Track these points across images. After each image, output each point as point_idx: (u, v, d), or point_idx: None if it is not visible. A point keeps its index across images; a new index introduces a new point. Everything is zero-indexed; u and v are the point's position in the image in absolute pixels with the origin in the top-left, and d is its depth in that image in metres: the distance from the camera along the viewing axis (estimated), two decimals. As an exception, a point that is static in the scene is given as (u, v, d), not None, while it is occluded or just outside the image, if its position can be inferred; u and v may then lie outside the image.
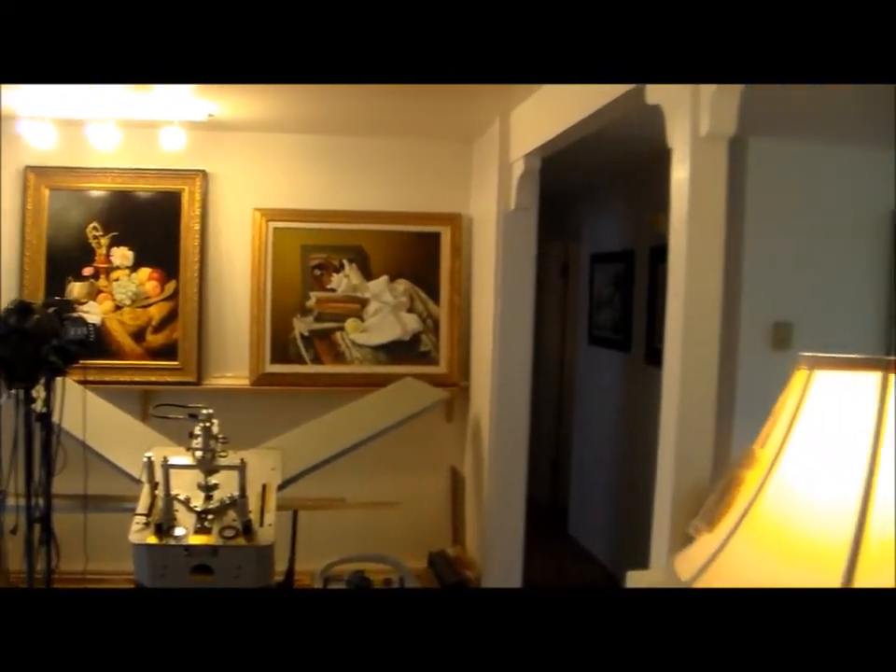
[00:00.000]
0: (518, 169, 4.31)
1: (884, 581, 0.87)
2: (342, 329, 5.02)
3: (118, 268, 4.85)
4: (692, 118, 2.42)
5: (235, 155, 5.02)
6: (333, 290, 5.02)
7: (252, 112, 4.51)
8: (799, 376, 1.03)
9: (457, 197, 5.21)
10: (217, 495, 3.33)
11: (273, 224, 4.98)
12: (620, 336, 6.05)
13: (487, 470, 4.67)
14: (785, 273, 4.61)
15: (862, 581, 0.88)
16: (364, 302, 5.03)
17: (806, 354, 1.03)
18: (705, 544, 1.05)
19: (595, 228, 6.77)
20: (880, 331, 4.88)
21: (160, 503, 3.18)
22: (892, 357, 0.94)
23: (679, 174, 2.48)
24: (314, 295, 5.01)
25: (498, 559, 4.66)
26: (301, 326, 5.00)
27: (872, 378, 0.94)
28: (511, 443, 4.56)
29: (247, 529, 3.19)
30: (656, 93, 2.62)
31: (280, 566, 3.68)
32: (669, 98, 2.55)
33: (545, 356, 7.71)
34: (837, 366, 0.99)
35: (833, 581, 0.89)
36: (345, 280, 5.01)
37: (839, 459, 0.94)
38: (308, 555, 4.21)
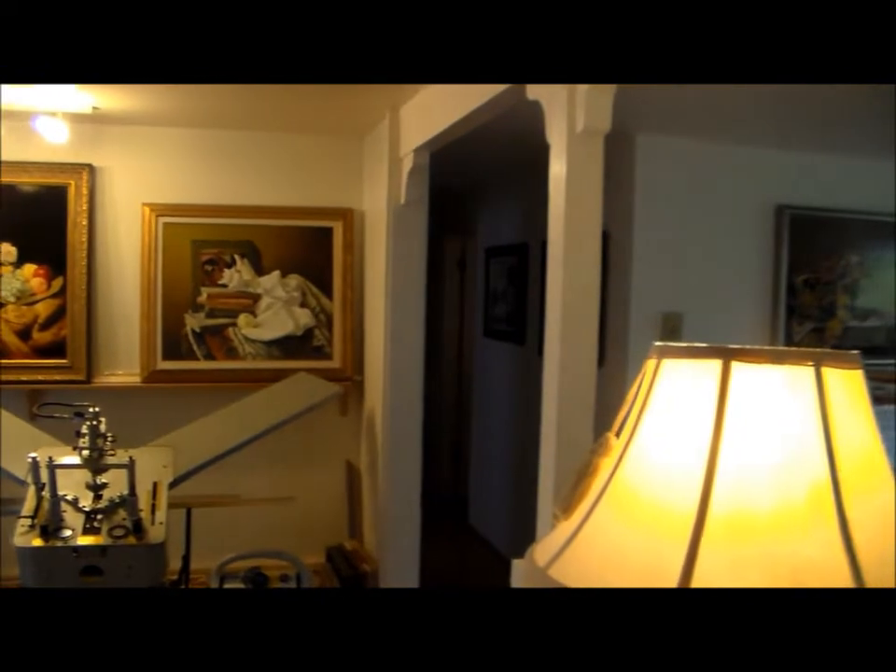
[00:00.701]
0: (407, 164, 4.33)
1: (725, 551, 0.92)
2: (234, 324, 4.99)
3: (0, 264, 4.74)
4: (568, 114, 2.47)
5: (123, 149, 4.94)
6: (225, 286, 4.98)
7: (140, 105, 4.44)
8: (649, 365, 1.07)
9: (349, 192, 5.22)
10: (106, 494, 3.28)
11: (162, 219, 4.92)
12: (514, 328, 6.12)
13: (382, 463, 4.69)
14: (675, 265, 4.72)
15: (706, 551, 0.92)
16: (256, 298, 5.01)
17: (657, 343, 1.08)
18: (562, 531, 1.09)
19: (489, 222, 6.83)
20: (766, 321, 5.03)
21: (46, 504, 3.13)
22: (733, 346, 0.99)
23: (557, 169, 2.53)
24: (205, 291, 4.96)
25: (396, 552, 4.68)
26: (193, 322, 4.95)
27: (714, 365, 0.99)
28: (406, 436, 4.59)
29: (138, 528, 3.15)
30: (536, 90, 2.67)
31: (175, 564, 3.66)
32: (547, 95, 2.60)
33: (443, 349, 7.76)
34: (683, 355, 1.03)
35: (680, 553, 0.93)
36: (237, 275, 4.98)
37: (685, 442, 0.99)
38: (204, 553, 4.18)
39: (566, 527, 1.08)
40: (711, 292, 4.79)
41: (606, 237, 4.62)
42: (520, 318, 5.99)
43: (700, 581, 0.91)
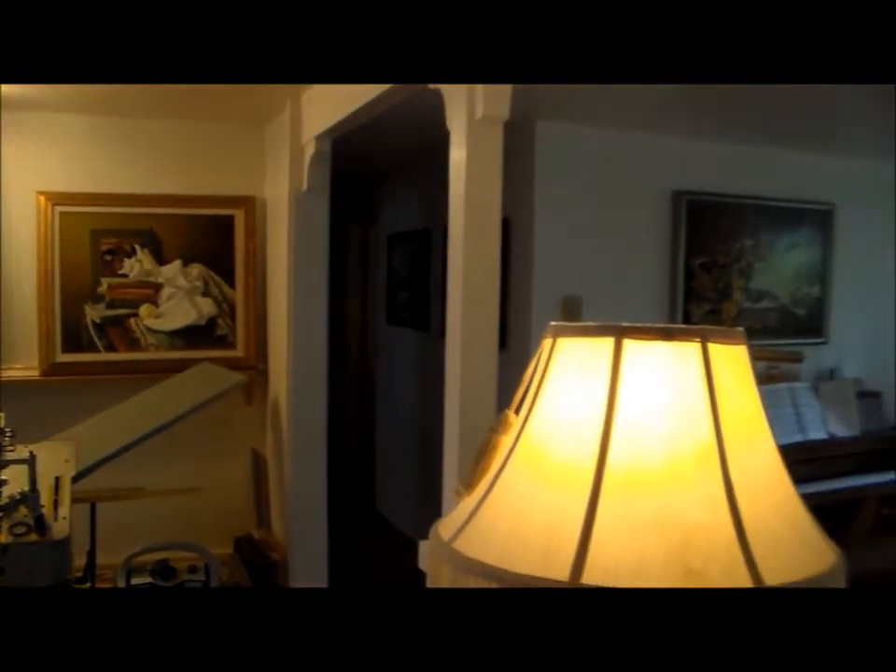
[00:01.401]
0: (309, 151, 4.33)
1: (622, 507, 0.97)
2: (135, 315, 4.93)
3: None
4: (468, 102, 2.50)
5: (17, 136, 4.83)
6: (125, 276, 4.91)
7: (34, 90, 4.33)
8: (545, 344, 1.11)
9: (251, 180, 5.19)
10: (5, 491, 3.22)
11: (59, 208, 4.83)
12: (417, 314, 6.16)
13: (288, 452, 4.69)
14: (575, 250, 4.80)
15: (605, 505, 0.97)
16: (157, 287, 4.95)
17: (553, 323, 1.12)
18: (465, 506, 1.13)
19: (392, 208, 6.86)
20: (664, 303, 5.15)
21: (-59, 504, 3.06)
22: (625, 324, 1.04)
23: (457, 155, 2.56)
24: (105, 281, 4.89)
25: (304, 540, 4.69)
26: (93, 313, 4.88)
27: (607, 343, 1.03)
28: (311, 424, 4.60)
29: (40, 525, 3.10)
30: (436, 78, 2.70)
31: (81, 560, 3.61)
32: (448, 83, 2.63)
33: (347, 336, 7.76)
34: (577, 333, 1.07)
35: (581, 508, 0.97)
36: (138, 265, 4.92)
37: (582, 412, 1.03)
38: (110, 548, 4.14)
39: (469, 502, 1.11)
40: (611, 276, 4.89)
41: (507, 223, 4.68)
42: (423, 304, 6.03)
43: (600, 534, 0.96)
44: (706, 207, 5.22)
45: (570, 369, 1.07)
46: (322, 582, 4.67)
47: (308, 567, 4.67)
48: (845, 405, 5.44)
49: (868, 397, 5.69)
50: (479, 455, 1.16)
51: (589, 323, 1.07)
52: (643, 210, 5.09)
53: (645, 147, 4.99)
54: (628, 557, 0.95)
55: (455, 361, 2.57)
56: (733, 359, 1.07)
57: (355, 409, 7.74)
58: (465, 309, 2.49)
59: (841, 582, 1.05)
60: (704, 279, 5.23)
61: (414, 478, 6.27)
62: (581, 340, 1.07)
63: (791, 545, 1.02)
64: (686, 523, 0.96)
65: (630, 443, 1.00)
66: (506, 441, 1.13)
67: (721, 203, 5.28)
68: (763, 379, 5.18)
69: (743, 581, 0.94)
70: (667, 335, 1.03)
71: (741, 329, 1.12)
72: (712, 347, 1.04)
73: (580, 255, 4.81)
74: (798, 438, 5.10)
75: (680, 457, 0.99)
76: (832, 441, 5.28)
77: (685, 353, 1.02)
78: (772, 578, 0.96)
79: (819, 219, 5.72)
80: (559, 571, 0.95)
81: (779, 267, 5.58)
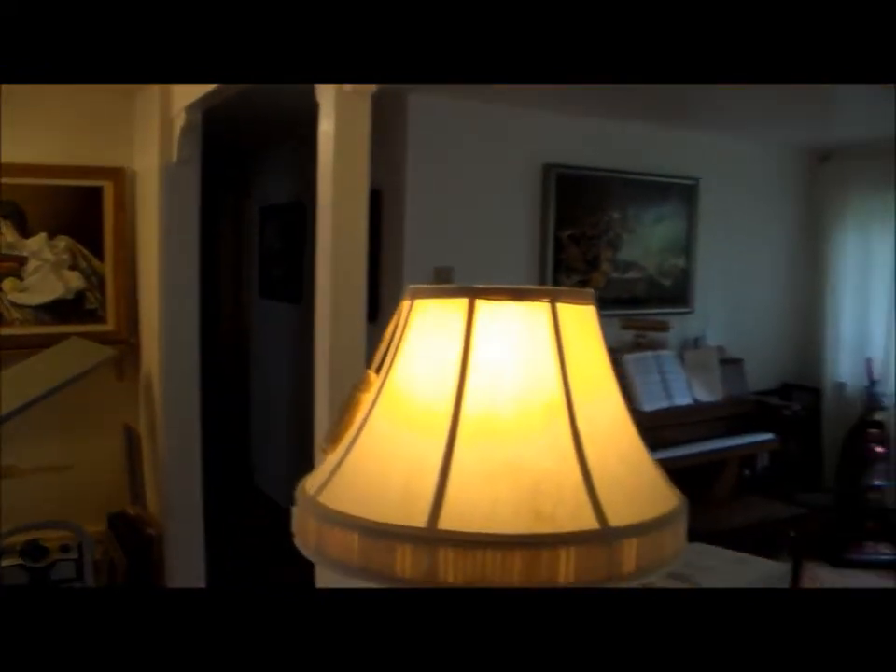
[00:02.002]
0: (179, 122, 4.28)
1: (477, 453, 1.03)
2: (-1, 289, 4.81)
3: None
4: (336, 72, 2.52)
5: None
6: (-13, 249, 4.78)
7: None
8: (404, 306, 1.16)
9: (121, 150, 5.08)
10: None
11: (-85, 180, 4.67)
12: (290, 288, 6.15)
13: (161, 427, 4.66)
14: (447, 222, 4.86)
15: (460, 450, 1.03)
16: (22, 261, 4.83)
17: (411, 286, 1.16)
18: (329, 461, 1.17)
19: (265, 181, 6.81)
20: (534, 274, 5.26)
21: None
22: (478, 286, 1.09)
23: (325, 127, 2.59)
24: (-34, 255, 4.75)
25: (180, 515, 4.67)
26: (-46, 288, 4.74)
27: (461, 303, 1.08)
28: (184, 398, 4.57)
29: None
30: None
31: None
32: (315, 53, 2.65)
33: (222, 309, 7.69)
34: (433, 295, 1.13)
35: (439, 451, 1.03)
36: (0, 238, 4.80)
37: (439, 365, 1.08)
38: (-24, 528, 4.06)
39: (333, 457, 1.16)
40: (483, 247, 4.97)
41: (378, 195, 4.73)
42: (296, 277, 6.03)
43: (456, 481, 1.02)
44: (575, 180, 5.34)
45: (427, 328, 1.12)
46: (199, 558, 4.66)
47: (184, 543, 4.65)
48: (708, 372, 5.65)
49: (730, 363, 5.93)
50: (341, 412, 1.21)
51: (444, 285, 1.12)
52: (514, 183, 5.18)
53: (516, 120, 5.08)
54: (482, 503, 1.01)
55: (323, 333, 2.61)
56: (581, 318, 1.14)
57: (229, 383, 7.69)
58: (333, 280, 2.52)
59: (682, 525, 1.13)
60: (573, 250, 5.36)
61: (290, 450, 6.28)
62: (437, 301, 1.12)
63: (636, 490, 1.09)
64: (536, 470, 1.02)
65: (483, 395, 1.05)
66: (367, 398, 1.17)
67: (590, 177, 5.41)
68: (631, 347, 5.34)
69: (589, 523, 1.01)
70: (518, 295, 1.08)
71: (590, 290, 1.19)
72: (561, 307, 1.10)
73: (451, 227, 4.88)
74: (665, 403, 5.29)
75: (530, 409, 1.05)
76: (696, 406, 5.48)
77: (535, 312, 1.08)
78: (616, 520, 1.02)
79: (684, 193, 5.91)
80: (418, 518, 1.00)
81: (646, 239, 5.75)
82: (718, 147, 6.07)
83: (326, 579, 2.58)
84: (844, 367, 6.80)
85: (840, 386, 6.83)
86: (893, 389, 6.43)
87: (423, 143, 4.76)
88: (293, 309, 6.12)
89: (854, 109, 4.85)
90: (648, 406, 5.16)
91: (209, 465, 4.75)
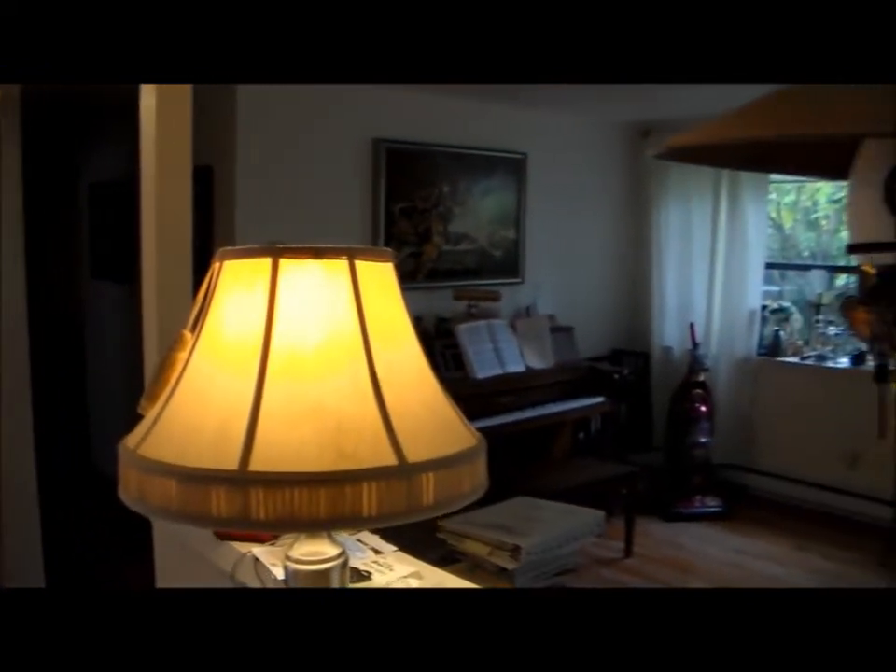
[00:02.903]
0: (-4, 97, 4.18)
1: (283, 395, 1.12)
2: None
3: None
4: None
5: None
6: None
7: None
8: (214, 267, 1.23)
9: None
10: None
11: None
12: (122, 267, 6.06)
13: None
14: (279, 197, 4.89)
15: (269, 391, 1.12)
16: None
17: (220, 249, 1.24)
18: (149, 416, 1.23)
19: (95, 158, 6.67)
20: (367, 244, 5.35)
21: None
22: (281, 245, 1.18)
23: (146, 102, 2.60)
24: None
25: (15, 507, 4.56)
26: None
27: (266, 262, 1.17)
28: (12, 384, 4.46)
29: None
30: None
31: None
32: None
33: (52, 291, 7.50)
34: (240, 255, 1.21)
35: (249, 393, 1.11)
36: None
37: (248, 316, 1.16)
38: None
39: (152, 413, 1.22)
40: (315, 222, 5.03)
41: (209, 171, 4.73)
42: (128, 256, 5.94)
43: (264, 424, 1.10)
44: (405, 155, 5.44)
45: (236, 286, 1.19)
46: (35, 547, 4.58)
47: (19, 535, 4.56)
48: (540, 339, 5.84)
49: (561, 331, 6.14)
50: (158, 370, 1.27)
51: (250, 246, 1.20)
52: (345, 158, 5.25)
53: (346, 95, 5.14)
54: (289, 444, 1.09)
55: (150, 310, 2.62)
56: (379, 274, 1.23)
57: (62, 366, 7.51)
58: (158, 257, 2.54)
59: (480, 462, 1.24)
60: (404, 224, 5.47)
61: (128, 429, 6.19)
62: (243, 261, 1.20)
63: (433, 430, 1.19)
64: (338, 412, 1.11)
65: (288, 344, 1.14)
66: (182, 356, 1.24)
67: (419, 151, 5.52)
68: (465, 317, 5.49)
69: (389, 459, 1.10)
70: (318, 253, 1.18)
71: (389, 249, 1.28)
72: (359, 264, 1.19)
73: (284, 202, 4.92)
74: (498, 371, 5.45)
75: (332, 356, 1.15)
76: (529, 373, 5.67)
77: (334, 268, 1.18)
78: (414, 456, 1.12)
79: (512, 167, 6.08)
80: (230, 461, 1.08)
81: (477, 212, 5.90)
82: (545, 122, 6.26)
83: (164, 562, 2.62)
84: (669, 332, 7.13)
85: (666, 351, 7.16)
86: (714, 351, 6.79)
87: (253, 118, 4.77)
88: (125, 289, 6.04)
89: (672, 88, 5.07)
90: (481, 373, 5.31)
91: (44, 451, 4.66)
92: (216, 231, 4.72)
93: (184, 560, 2.24)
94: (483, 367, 5.34)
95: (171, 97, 2.57)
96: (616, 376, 6.27)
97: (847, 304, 1.35)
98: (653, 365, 7.19)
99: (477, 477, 1.22)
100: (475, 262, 5.89)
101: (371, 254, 1.23)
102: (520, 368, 5.61)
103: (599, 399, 6.01)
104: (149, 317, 2.63)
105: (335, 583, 1.30)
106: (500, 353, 5.49)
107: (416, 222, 5.52)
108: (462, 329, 5.24)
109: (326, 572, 1.29)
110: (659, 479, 6.46)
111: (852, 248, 1.28)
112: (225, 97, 4.67)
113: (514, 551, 2.97)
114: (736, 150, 1.58)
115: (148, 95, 2.59)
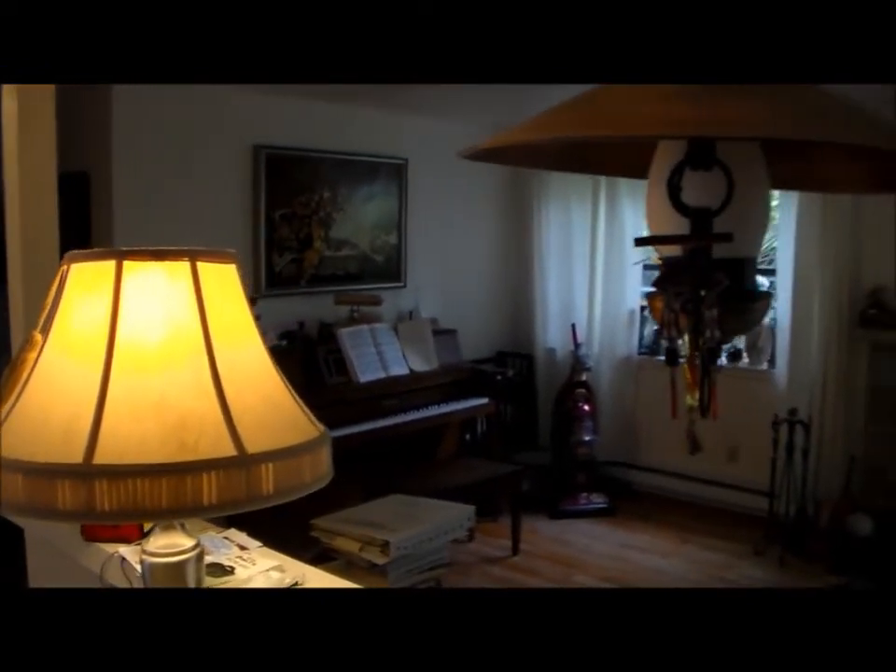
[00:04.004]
0: None
1: (127, 386, 1.17)
2: None
3: None
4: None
5: None
6: None
7: None
8: (62, 270, 1.28)
9: None
10: None
11: None
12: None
13: None
14: (160, 204, 4.88)
15: (114, 385, 1.17)
16: None
17: (70, 252, 1.28)
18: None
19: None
20: (249, 253, 5.36)
21: None
22: (125, 248, 1.23)
23: (8, 106, 2.56)
24: None
25: None
26: None
27: (111, 265, 1.22)
28: None
29: None
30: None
31: None
32: None
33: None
34: (87, 258, 1.25)
35: (91, 401, 1.16)
36: None
37: (91, 324, 1.21)
38: None
39: (2, 411, 1.25)
40: (196, 228, 5.03)
41: (86, 177, 4.70)
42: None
43: (109, 419, 1.15)
44: (286, 161, 5.47)
45: (83, 288, 1.24)
46: None
47: None
48: (422, 342, 5.92)
49: (444, 334, 6.23)
50: (8, 371, 1.31)
51: (96, 249, 1.25)
52: (226, 164, 5.25)
53: (227, 101, 5.13)
54: (133, 437, 1.14)
55: (17, 318, 2.60)
56: (221, 275, 1.29)
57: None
58: (24, 264, 2.53)
59: (322, 453, 1.30)
60: (285, 229, 5.50)
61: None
62: (89, 264, 1.25)
63: (274, 423, 1.25)
64: (180, 407, 1.17)
65: (132, 343, 1.19)
66: (32, 357, 1.28)
67: (300, 157, 5.56)
68: (348, 322, 5.53)
69: (228, 450, 1.17)
70: (160, 256, 1.23)
71: (232, 250, 1.33)
72: (201, 265, 1.25)
73: (164, 208, 4.90)
74: (381, 374, 5.51)
75: (174, 354, 1.20)
76: (412, 376, 5.74)
77: (176, 270, 1.23)
78: (253, 447, 1.19)
79: (393, 172, 6.15)
80: (75, 454, 1.13)
81: (358, 217, 5.96)
82: (425, 127, 6.34)
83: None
84: (552, 334, 7.27)
85: (550, 352, 7.30)
86: (596, 351, 6.95)
87: (130, 124, 4.73)
88: None
89: (549, 89, 5.15)
90: (364, 377, 5.36)
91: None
92: (93, 237, 4.68)
93: (54, 562, 2.26)
94: (366, 370, 5.39)
95: (33, 99, 2.53)
96: (499, 377, 6.38)
97: (648, 295, 1.45)
98: (538, 366, 7.32)
99: (319, 467, 1.29)
100: (357, 267, 5.94)
101: (214, 256, 1.29)
102: (403, 371, 5.67)
103: (483, 401, 6.11)
104: (16, 324, 2.62)
105: (190, 575, 1.35)
106: (383, 356, 5.55)
107: (297, 228, 5.55)
108: (344, 333, 5.28)
109: (181, 564, 1.34)
110: (545, 477, 6.59)
111: (638, 242, 1.38)
112: (100, 101, 4.63)
113: (384, 546, 3.03)
114: (548, 151, 1.66)
115: (9, 98, 2.55)
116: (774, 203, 6.38)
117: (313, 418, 1.34)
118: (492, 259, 7.29)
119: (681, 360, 1.29)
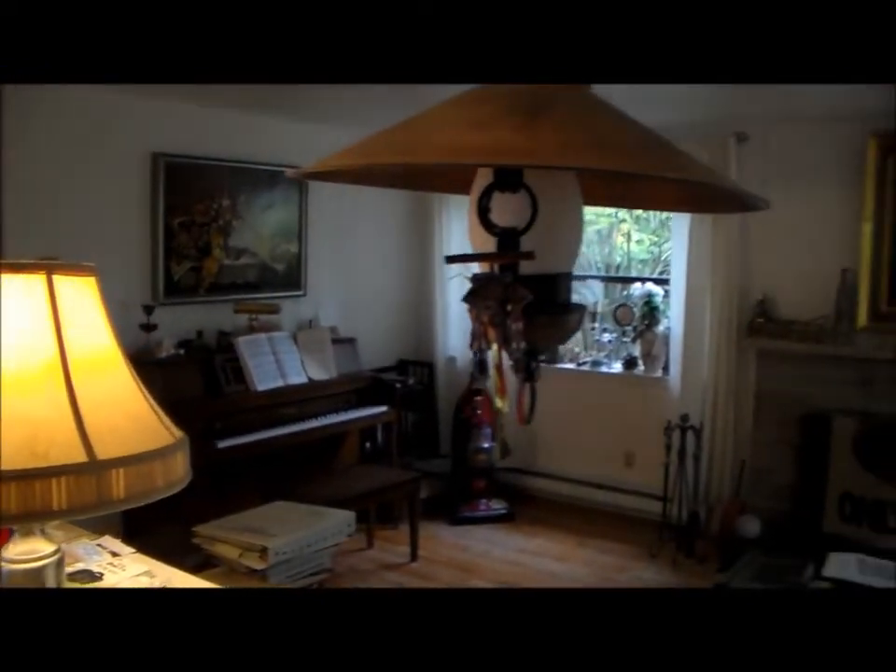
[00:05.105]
0: None
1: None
2: None
3: None
4: None
5: None
6: None
7: None
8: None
9: None
10: None
11: None
12: None
13: None
14: (54, 210, 4.83)
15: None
16: None
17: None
18: None
19: None
20: (147, 261, 5.34)
21: None
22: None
23: None
24: None
25: None
26: None
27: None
28: None
29: None
30: None
31: None
32: None
33: None
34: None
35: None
36: None
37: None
38: None
39: None
40: (93, 236, 4.97)
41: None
42: None
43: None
44: (184, 169, 5.45)
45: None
46: None
47: None
48: (321, 351, 5.94)
49: (344, 343, 6.26)
50: None
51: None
52: (123, 171, 5.22)
53: (124, 109, 5.09)
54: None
55: None
56: (80, 288, 1.34)
57: None
58: None
59: (177, 459, 1.35)
60: (183, 237, 5.48)
61: None
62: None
63: (127, 430, 1.30)
64: (33, 420, 1.22)
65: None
66: None
67: (198, 165, 5.54)
68: (247, 331, 5.54)
69: (79, 457, 1.22)
70: (16, 268, 1.27)
71: (92, 264, 1.37)
72: (57, 278, 1.29)
73: (60, 216, 4.84)
74: (280, 382, 5.52)
75: (29, 370, 1.25)
76: (311, 384, 5.76)
77: (32, 283, 1.27)
78: (104, 454, 1.24)
79: (292, 181, 6.15)
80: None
81: (258, 226, 5.96)
82: (323, 135, 6.32)
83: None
84: (453, 342, 7.33)
85: (450, 360, 7.37)
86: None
87: (22, 130, 4.66)
88: None
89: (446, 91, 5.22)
90: (262, 386, 5.36)
91: None
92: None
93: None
94: (264, 379, 5.39)
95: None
96: (399, 385, 6.42)
97: (469, 310, 1.53)
98: (438, 374, 7.38)
99: (173, 473, 1.34)
100: (256, 276, 5.94)
101: (72, 269, 1.32)
102: (302, 379, 5.69)
103: (383, 409, 6.14)
104: None
105: (50, 581, 1.39)
106: (282, 365, 5.56)
107: (196, 236, 5.53)
108: (242, 342, 5.28)
109: (40, 570, 1.37)
110: (446, 485, 6.66)
111: (449, 259, 1.47)
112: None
113: (262, 552, 3.07)
114: (375, 172, 1.74)
115: None
116: (666, 218, 6.57)
117: (170, 425, 1.39)
118: (393, 267, 7.34)
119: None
